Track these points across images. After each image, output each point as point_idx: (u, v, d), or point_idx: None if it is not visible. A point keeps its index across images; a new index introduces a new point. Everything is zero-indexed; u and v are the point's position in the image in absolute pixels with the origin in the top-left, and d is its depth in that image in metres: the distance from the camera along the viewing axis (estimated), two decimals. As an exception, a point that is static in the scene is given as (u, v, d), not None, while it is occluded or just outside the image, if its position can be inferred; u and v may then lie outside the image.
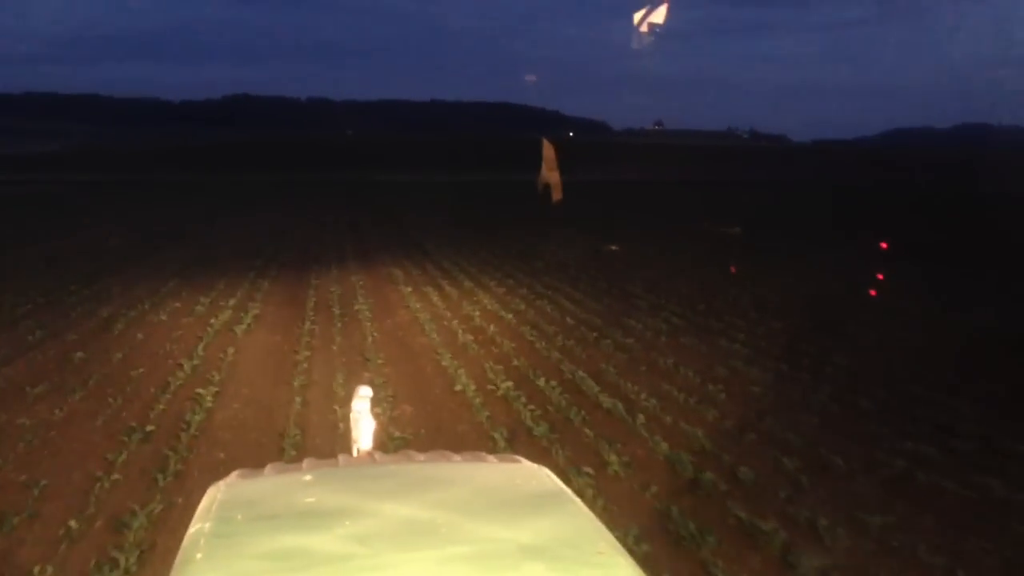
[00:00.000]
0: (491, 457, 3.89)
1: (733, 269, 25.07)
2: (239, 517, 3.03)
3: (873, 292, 21.15)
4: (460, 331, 15.71)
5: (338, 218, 44.83)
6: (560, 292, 20.75)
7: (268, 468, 3.71)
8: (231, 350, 14.09)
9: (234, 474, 3.58)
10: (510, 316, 17.45)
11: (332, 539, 2.74)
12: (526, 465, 3.70)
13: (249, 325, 15.89)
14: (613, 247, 30.25)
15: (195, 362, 13.24)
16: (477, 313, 17.67)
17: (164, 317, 16.69)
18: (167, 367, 12.95)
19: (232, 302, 18.29)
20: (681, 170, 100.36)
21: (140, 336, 15.04)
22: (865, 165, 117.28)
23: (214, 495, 3.25)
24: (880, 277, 21.89)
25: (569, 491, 3.34)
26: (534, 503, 3.22)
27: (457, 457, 3.85)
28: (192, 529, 2.94)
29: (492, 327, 16.19)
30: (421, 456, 3.94)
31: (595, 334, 15.69)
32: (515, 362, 13.38)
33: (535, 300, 19.48)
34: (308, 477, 3.54)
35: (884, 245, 28.71)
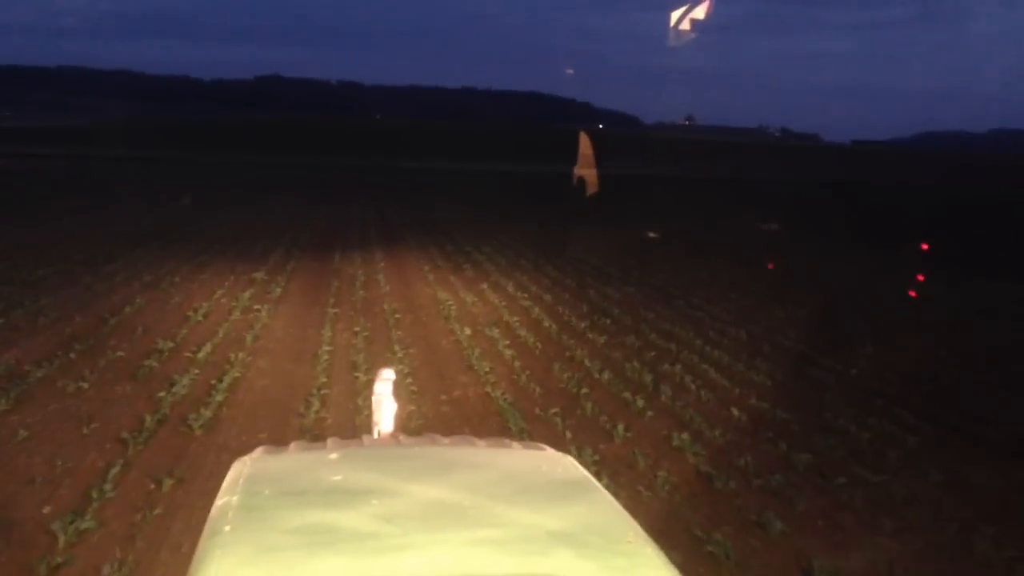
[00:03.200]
0: (515, 444, 3.81)
1: (771, 265, 24.76)
2: (266, 492, 2.98)
3: (913, 293, 20.77)
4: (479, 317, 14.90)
5: (364, 200, 43.82)
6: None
7: (292, 446, 3.63)
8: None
9: (259, 450, 3.52)
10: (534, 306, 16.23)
11: (359, 517, 2.69)
12: (551, 452, 3.63)
13: (274, 305, 14.82)
14: (653, 235, 30.35)
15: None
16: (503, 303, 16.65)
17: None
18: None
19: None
20: (711, 166, 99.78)
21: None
22: (899, 166, 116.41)
23: (240, 469, 3.18)
24: (921, 278, 21.54)
25: (594, 479, 3.27)
26: (561, 490, 3.15)
27: (481, 442, 3.80)
28: (219, 502, 2.89)
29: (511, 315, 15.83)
30: (445, 440, 3.87)
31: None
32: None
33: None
34: (333, 455, 3.50)
35: (925, 247, 28.43)
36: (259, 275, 19.02)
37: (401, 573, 2.37)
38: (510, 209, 42.65)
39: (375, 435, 6.58)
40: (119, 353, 11.98)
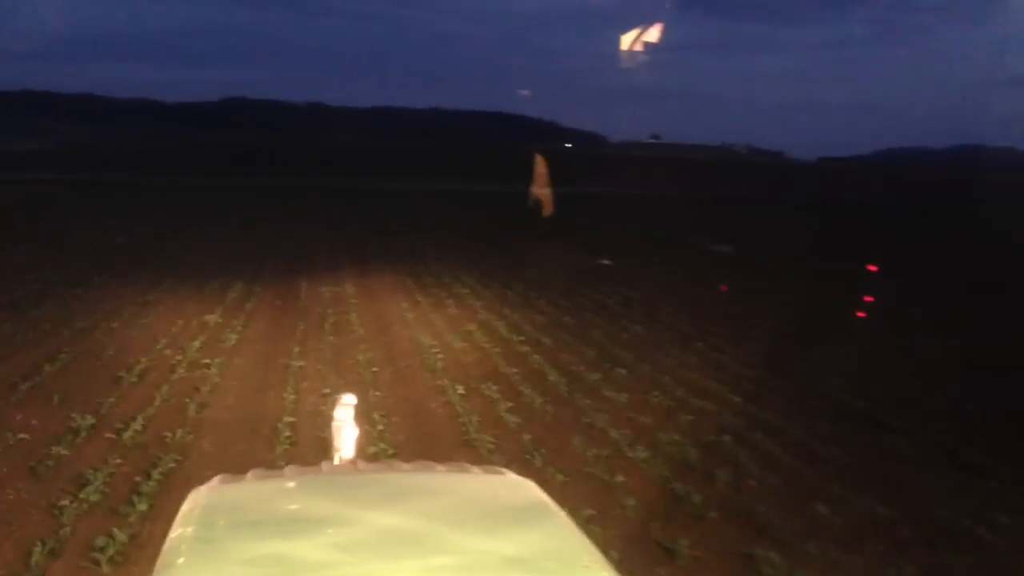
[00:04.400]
0: (475, 468, 3.74)
1: (724, 288, 24.42)
2: (221, 522, 2.94)
3: (862, 314, 20.46)
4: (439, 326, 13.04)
5: (332, 224, 41.91)
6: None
7: (250, 474, 3.51)
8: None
9: (216, 479, 3.40)
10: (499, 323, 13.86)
11: (315, 547, 2.63)
12: (511, 477, 3.60)
13: (227, 358, 12.35)
14: (606, 262, 29.47)
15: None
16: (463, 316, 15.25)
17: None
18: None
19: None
20: (677, 184, 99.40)
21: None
22: (861, 183, 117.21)
23: (195, 500, 3.11)
24: (869, 300, 21.26)
25: (554, 504, 3.19)
26: (518, 515, 3.13)
27: (441, 467, 3.71)
28: (173, 534, 2.82)
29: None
30: (405, 465, 3.80)
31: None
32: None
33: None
34: (291, 484, 3.44)
35: (873, 268, 28.27)
36: (212, 318, 16.46)
37: None
38: (486, 232, 40.31)
39: (335, 461, 6.49)
40: (21, 435, 9.39)
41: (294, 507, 3.23)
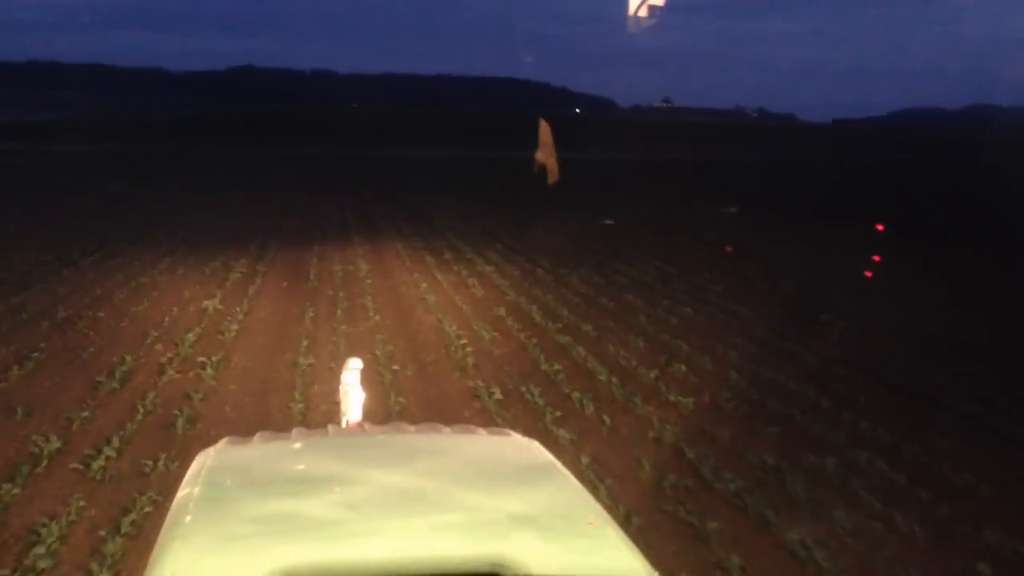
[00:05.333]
0: (481, 430, 3.71)
1: (728, 248, 24.51)
2: (228, 482, 2.91)
3: (869, 274, 20.63)
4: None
5: (342, 193, 40.72)
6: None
7: (257, 436, 3.47)
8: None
9: (223, 441, 3.38)
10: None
11: (322, 504, 2.62)
12: (516, 438, 3.58)
13: (225, 356, 10.62)
14: (609, 221, 29.89)
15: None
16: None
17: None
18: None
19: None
20: (688, 148, 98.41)
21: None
22: (874, 145, 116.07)
23: (203, 461, 3.09)
24: (877, 259, 21.37)
25: (559, 463, 3.17)
26: (524, 474, 3.10)
27: (447, 429, 3.69)
28: (181, 493, 2.81)
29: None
30: (411, 427, 3.80)
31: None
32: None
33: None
34: (298, 445, 3.38)
35: (880, 227, 28.87)
36: (212, 304, 14.70)
37: (363, 558, 2.32)
38: (503, 201, 38.33)
39: (343, 425, 6.40)
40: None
41: (301, 467, 3.22)
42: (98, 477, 7.47)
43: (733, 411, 9.88)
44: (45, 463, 7.72)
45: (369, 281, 17.48)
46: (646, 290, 17.71)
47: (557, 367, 11.41)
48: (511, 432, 3.75)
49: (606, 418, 9.40)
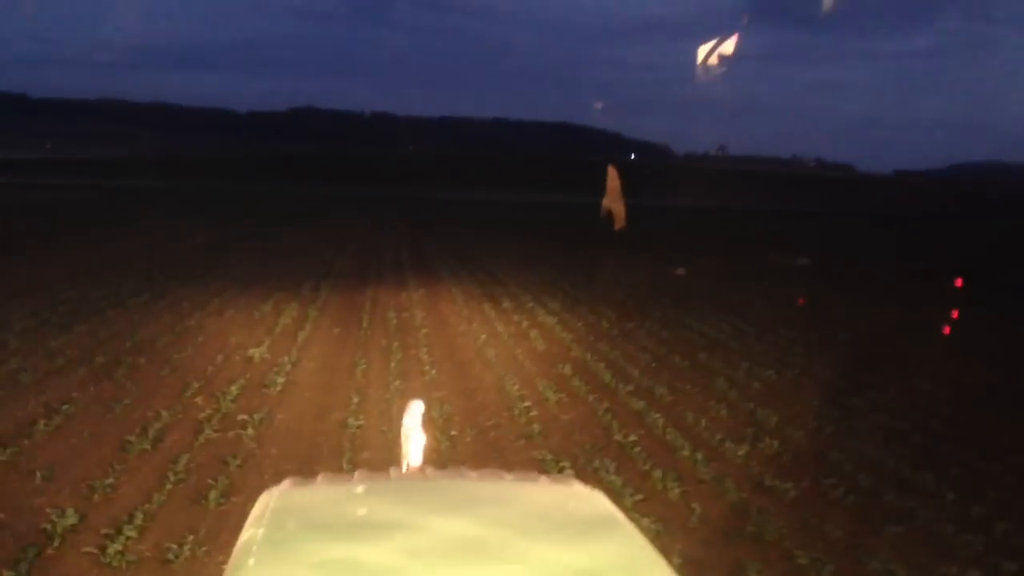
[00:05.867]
0: (544, 478, 3.67)
1: (801, 300, 23.75)
2: (291, 525, 2.91)
3: (947, 330, 19.77)
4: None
5: (398, 236, 40.49)
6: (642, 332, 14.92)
7: (320, 478, 3.47)
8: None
9: (286, 482, 3.36)
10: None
11: (384, 551, 2.62)
12: (579, 487, 3.49)
13: (266, 418, 9.63)
14: (680, 271, 29.28)
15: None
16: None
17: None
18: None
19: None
20: (745, 197, 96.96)
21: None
22: (936, 197, 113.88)
23: (267, 502, 3.10)
24: (955, 315, 20.32)
25: (623, 516, 3.09)
26: (588, 527, 3.03)
27: (510, 476, 3.61)
28: (245, 535, 2.81)
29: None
30: (473, 474, 3.69)
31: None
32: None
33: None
34: (360, 489, 3.38)
35: (959, 283, 27.45)
36: (258, 352, 13.83)
37: None
38: (561, 247, 37.32)
39: (403, 468, 6.21)
40: (-32, 546, 6.75)
41: (363, 511, 3.17)
42: (114, 563, 6.47)
43: (841, 501, 8.56)
44: (57, 543, 6.75)
45: (424, 331, 16.49)
46: (721, 349, 16.40)
47: (632, 438, 10.19)
48: (574, 480, 3.68)
49: (695, 506, 8.15)
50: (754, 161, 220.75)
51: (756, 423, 11.22)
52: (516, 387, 12.44)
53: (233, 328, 15.93)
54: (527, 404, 11.45)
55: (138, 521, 7.16)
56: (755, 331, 18.52)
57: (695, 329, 18.45)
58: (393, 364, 13.51)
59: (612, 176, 23.04)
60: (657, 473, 8.96)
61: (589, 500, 3.31)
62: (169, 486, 8.01)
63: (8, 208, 48.95)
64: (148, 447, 9.07)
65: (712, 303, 22.59)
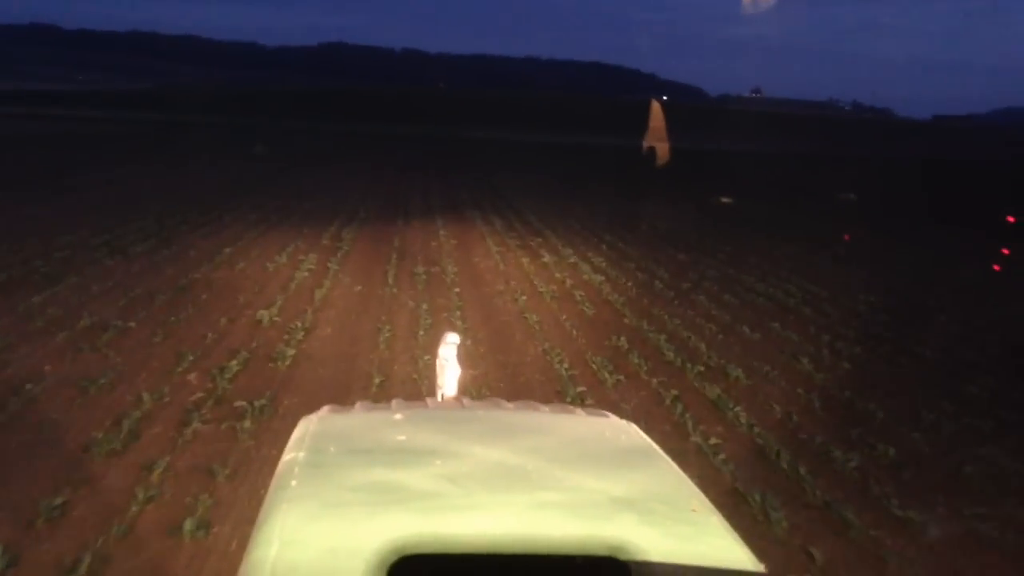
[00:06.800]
0: (579, 410, 3.62)
1: (847, 237, 23.61)
2: (331, 449, 2.90)
3: (997, 267, 19.59)
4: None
5: (427, 174, 39.19)
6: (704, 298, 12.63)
7: (357, 405, 3.52)
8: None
9: (324, 408, 3.39)
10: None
11: (423, 476, 2.61)
12: (614, 419, 3.48)
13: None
14: (725, 200, 28.69)
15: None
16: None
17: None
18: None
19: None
20: (780, 140, 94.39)
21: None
22: (977, 142, 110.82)
23: (306, 427, 3.11)
24: (1006, 252, 20.27)
25: (659, 448, 3.07)
26: (624, 457, 3.02)
27: (545, 408, 3.60)
28: (286, 458, 2.82)
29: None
30: (509, 404, 3.74)
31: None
32: None
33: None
34: (398, 416, 3.36)
35: (1011, 219, 27.44)
36: (269, 315, 12.03)
37: (464, 532, 2.31)
38: (602, 193, 35.21)
39: (439, 398, 6.46)
40: None
41: (401, 438, 3.10)
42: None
43: (997, 542, 6.65)
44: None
45: (457, 290, 14.62)
46: (794, 317, 14.36)
47: (713, 440, 8.28)
48: (609, 413, 3.57)
49: (814, 551, 6.26)
50: (789, 104, 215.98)
51: (859, 419, 9.26)
52: (565, 364, 10.56)
53: (243, 284, 14.14)
54: (580, 389, 9.57)
55: (86, 567, 5.41)
56: (827, 294, 16.45)
57: (759, 292, 16.40)
58: (422, 332, 11.66)
59: (656, 114, 22.29)
60: (755, 497, 7.06)
61: (625, 431, 3.31)
62: (135, 507, 6.25)
63: (23, 141, 47.45)
64: (118, 447, 7.30)
65: (772, 258, 20.54)
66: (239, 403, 8.48)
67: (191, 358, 9.90)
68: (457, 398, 6.36)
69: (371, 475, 2.63)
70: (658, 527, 2.37)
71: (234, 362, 9.82)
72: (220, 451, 7.37)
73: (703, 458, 7.90)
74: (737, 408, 9.27)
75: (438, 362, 6.96)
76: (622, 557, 2.24)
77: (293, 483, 2.57)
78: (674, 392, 9.72)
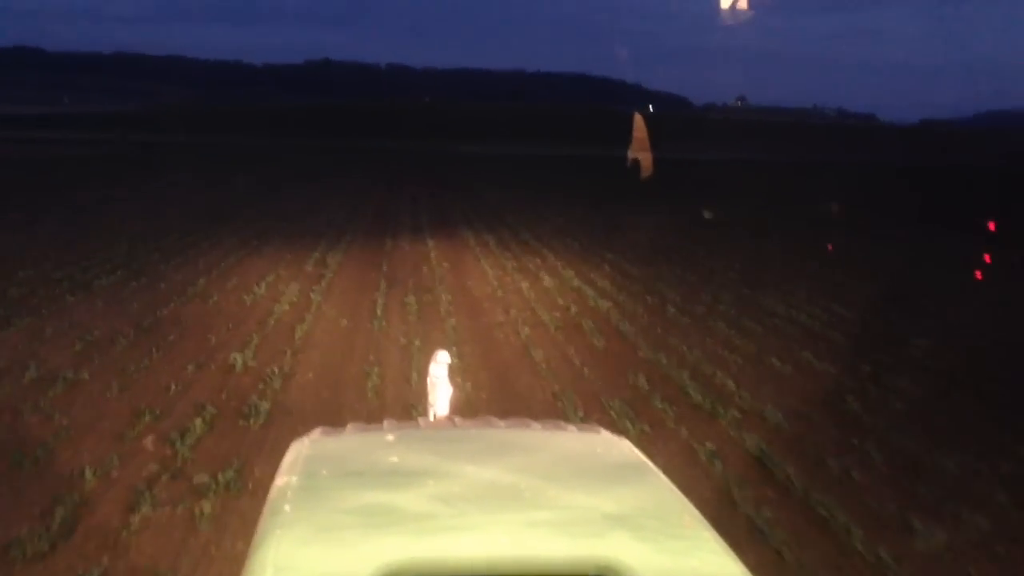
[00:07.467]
0: (571, 426, 3.65)
1: (830, 247, 23.35)
2: (324, 472, 2.91)
3: (979, 274, 19.29)
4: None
5: (415, 190, 38.04)
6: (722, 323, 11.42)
7: (349, 427, 3.47)
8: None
9: (316, 431, 3.34)
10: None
11: (416, 497, 2.60)
12: (606, 435, 3.48)
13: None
14: (708, 215, 28.14)
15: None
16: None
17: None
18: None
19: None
20: (765, 148, 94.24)
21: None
22: (962, 147, 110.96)
23: (298, 450, 3.08)
24: (988, 259, 20.04)
25: (650, 463, 3.05)
26: (616, 473, 3.02)
27: (537, 425, 3.57)
28: (279, 482, 2.79)
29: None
30: (501, 422, 3.68)
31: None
32: None
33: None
34: (390, 437, 3.37)
35: (992, 226, 27.13)
36: (243, 358, 10.66)
37: (458, 552, 2.30)
38: (597, 206, 34.01)
39: (431, 418, 6.56)
40: None
41: (393, 459, 3.12)
42: None
43: None
44: None
45: (452, 321, 13.29)
46: (825, 345, 13.06)
47: (767, 512, 6.94)
48: (601, 429, 3.56)
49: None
50: (774, 112, 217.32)
51: (934, 479, 7.95)
52: (580, 412, 9.24)
53: (216, 321, 12.77)
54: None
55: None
56: (853, 316, 15.20)
57: (781, 315, 15.12)
58: (415, 376, 10.28)
59: (639, 126, 22.22)
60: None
61: (616, 447, 3.28)
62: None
63: (2, 166, 45.98)
64: (44, 547, 5.89)
65: (783, 273, 19.36)
66: (200, 478, 7.12)
67: (148, 418, 8.53)
68: (449, 417, 6.38)
69: (364, 497, 2.65)
70: (650, 543, 2.39)
71: (198, 421, 8.45)
72: (172, 548, 6.00)
73: (757, 537, 6.57)
74: (786, 465, 7.96)
75: (429, 381, 6.98)
76: (614, 575, 2.23)
77: (286, 507, 2.58)
78: (709, 446, 8.40)
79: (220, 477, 7.13)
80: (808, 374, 11.39)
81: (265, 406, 9.04)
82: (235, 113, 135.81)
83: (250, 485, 7.11)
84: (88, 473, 7.10)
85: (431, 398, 6.94)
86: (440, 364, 7.04)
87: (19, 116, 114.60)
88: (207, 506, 6.64)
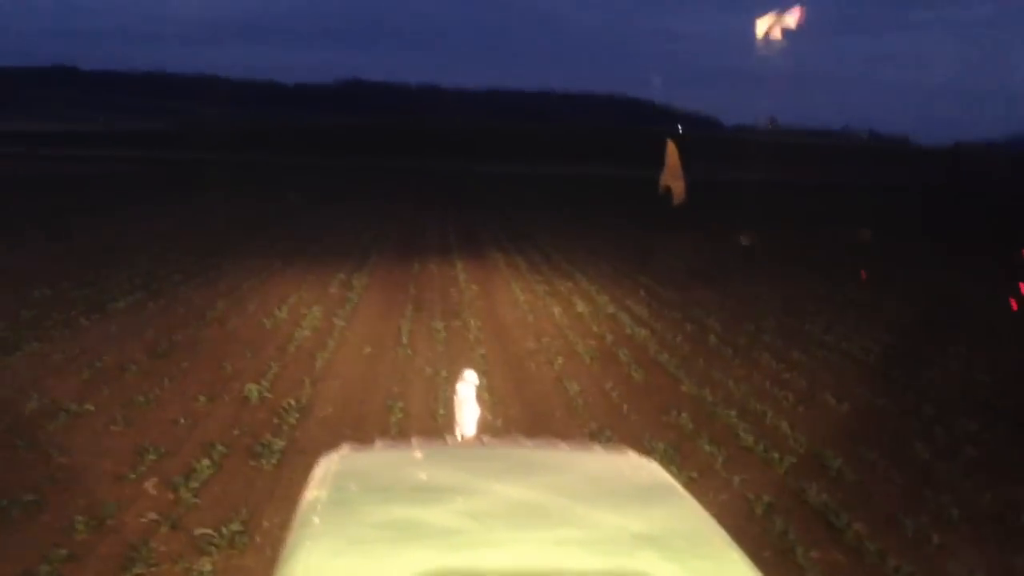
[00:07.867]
0: (599, 447, 3.68)
1: (864, 275, 22.52)
2: (353, 487, 2.93)
3: (1014, 304, 18.24)
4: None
5: (444, 211, 37.78)
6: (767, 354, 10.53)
7: (377, 444, 3.55)
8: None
9: (345, 447, 3.36)
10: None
11: (445, 513, 2.61)
12: (634, 456, 3.46)
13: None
14: (745, 241, 27.37)
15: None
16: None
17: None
18: None
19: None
20: (797, 170, 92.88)
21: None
22: (996, 169, 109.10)
23: (327, 466, 3.11)
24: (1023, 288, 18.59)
25: (678, 484, 3.10)
26: (644, 493, 3.03)
27: (565, 445, 3.64)
28: (309, 496, 2.82)
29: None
30: (529, 442, 3.76)
31: None
32: None
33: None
34: (418, 454, 3.44)
35: None
36: (258, 390, 10.00)
37: (486, 568, 2.28)
38: (624, 227, 33.22)
39: (458, 437, 6.49)
40: None
41: (422, 476, 3.14)
42: None
43: None
44: None
45: (482, 351, 12.54)
46: (882, 380, 12.16)
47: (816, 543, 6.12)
48: (628, 450, 3.52)
49: None
50: (805, 133, 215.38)
51: (1014, 531, 7.05)
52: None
53: (232, 348, 12.12)
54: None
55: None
56: (905, 346, 14.25)
57: (830, 346, 14.23)
58: (441, 411, 9.55)
59: (671, 152, 21.90)
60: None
61: (644, 468, 3.25)
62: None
63: (32, 183, 46.11)
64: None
65: (824, 303, 18.43)
66: (205, 531, 6.41)
67: (153, 456, 7.86)
68: (477, 436, 6.40)
69: (393, 512, 2.63)
70: (678, 563, 2.35)
71: (206, 461, 7.76)
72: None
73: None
74: (855, 523, 7.11)
75: (456, 400, 6.97)
76: None
77: (316, 520, 2.56)
78: (766, 498, 7.55)
79: (225, 529, 6.41)
80: (867, 414, 10.49)
81: (279, 444, 8.34)
82: (265, 132, 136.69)
83: (257, 539, 6.41)
84: (80, 524, 6.41)
85: (458, 417, 6.86)
86: (467, 384, 6.99)
87: (51, 133, 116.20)
88: (207, 566, 5.93)
